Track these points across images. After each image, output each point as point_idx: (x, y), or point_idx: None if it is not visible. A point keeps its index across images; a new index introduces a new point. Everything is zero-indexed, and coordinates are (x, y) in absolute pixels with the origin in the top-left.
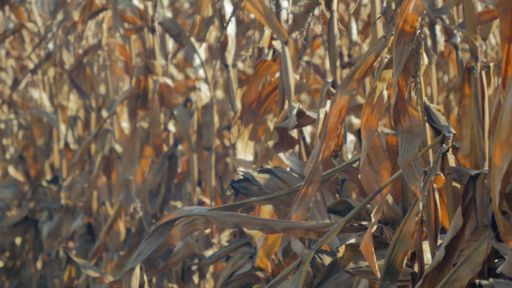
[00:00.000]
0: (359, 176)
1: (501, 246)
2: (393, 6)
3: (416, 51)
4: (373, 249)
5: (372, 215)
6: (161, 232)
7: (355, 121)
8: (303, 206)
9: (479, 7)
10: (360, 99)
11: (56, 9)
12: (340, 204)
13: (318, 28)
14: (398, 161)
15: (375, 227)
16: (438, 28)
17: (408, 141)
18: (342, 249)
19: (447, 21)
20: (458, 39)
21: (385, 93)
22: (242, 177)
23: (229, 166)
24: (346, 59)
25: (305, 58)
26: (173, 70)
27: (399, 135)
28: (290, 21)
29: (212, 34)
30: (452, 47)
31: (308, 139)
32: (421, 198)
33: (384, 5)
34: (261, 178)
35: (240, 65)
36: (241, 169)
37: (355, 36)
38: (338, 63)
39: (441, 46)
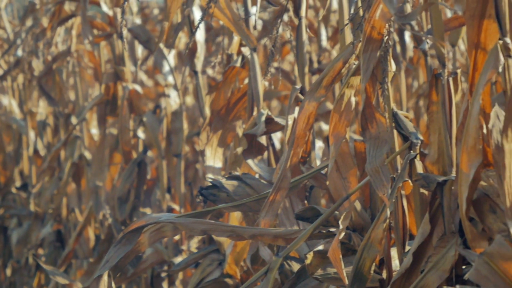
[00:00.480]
0: (327, 182)
1: (468, 253)
2: (361, 12)
3: (383, 57)
4: (341, 256)
5: (340, 222)
6: (129, 239)
7: (325, 127)
8: (271, 212)
9: (449, 13)
10: (330, 106)
11: (25, 16)
12: (308, 210)
13: (287, 34)
14: (366, 168)
15: (343, 233)
16: (407, 34)
17: (375, 147)
18: (310, 255)
19: (416, 28)
20: (427, 46)
21: (353, 99)
22: (210, 184)
23: (199, 172)
24: (315, 65)
25: (275, 64)
26: (143, 76)
27: (366, 142)
28: (260, 28)
29: (182, 40)
30: (421, 53)
31: (278, 146)
32: (388, 204)
33: (352, 11)
34: (229, 184)
35: (210, 71)
36: (210, 175)
37: (324, 42)
38: (307, 69)
39: (410, 52)
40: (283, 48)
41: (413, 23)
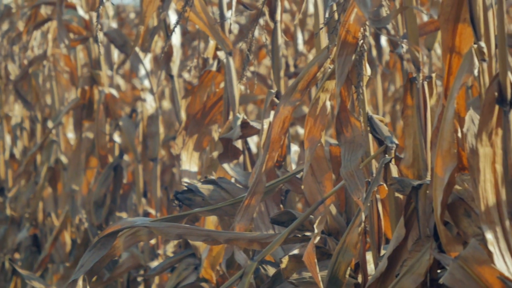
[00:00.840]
0: (302, 187)
1: (443, 257)
2: (336, 16)
3: (358, 61)
4: (316, 260)
5: (315, 226)
6: (104, 243)
7: (301, 131)
8: (246, 217)
9: (425, 17)
10: (306, 110)
11: (0, 19)
12: (284, 215)
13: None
14: (341, 172)
15: (318, 238)
16: (384, 38)
17: (350, 151)
18: (285, 260)
19: (392, 32)
20: (403, 50)
21: (328, 103)
22: (186, 188)
23: (175, 176)
24: (292, 69)
25: (251, 68)
26: (119, 80)
27: (341, 146)
28: (236, 31)
29: (158, 44)
30: (397, 57)
31: (254, 150)
32: (363, 209)
33: (327, 15)
34: (205, 189)
35: (186, 75)
36: (185, 180)
37: (301, 46)
38: (282, 73)
39: (387, 56)
40: (260, 52)
41: (389, 27)
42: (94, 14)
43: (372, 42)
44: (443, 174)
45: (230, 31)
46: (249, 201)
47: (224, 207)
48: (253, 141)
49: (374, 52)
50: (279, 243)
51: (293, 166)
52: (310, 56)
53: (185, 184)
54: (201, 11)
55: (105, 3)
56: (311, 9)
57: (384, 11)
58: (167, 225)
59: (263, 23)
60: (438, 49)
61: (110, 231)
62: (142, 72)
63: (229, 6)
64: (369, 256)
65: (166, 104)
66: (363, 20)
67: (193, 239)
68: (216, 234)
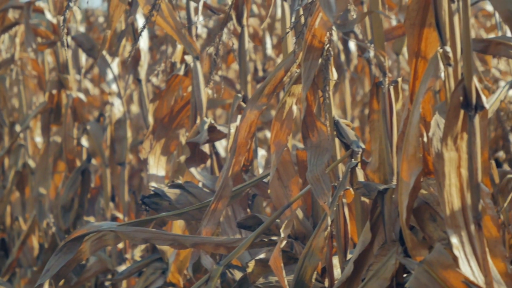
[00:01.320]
0: (269, 191)
1: (408, 261)
2: (303, 20)
3: (324, 66)
4: (282, 264)
5: (281, 230)
6: (70, 247)
7: (270, 135)
8: (213, 221)
9: (394, 22)
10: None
11: None
12: (250, 219)
13: (232, 43)
14: (307, 176)
15: (284, 242)
16: (353, 42)
17: (317, 156)
18: (251, 264)
19: (360, 36)
20: (371, 54)
21: (295, 108)
22: (153, 192)
23: (144, 181)
24: (261, 73)
25: (220, 72)
26: (88, 84)
27: (308, 150)
28: (205, 36)
29: (127, 48)
30: (365, 61)
31: (223, 154)
32: (329, 213)
33: (293, 19)
34: (172, 193)
35: (154, 80)
36: (152, 184)
37: (269, 50)
38: (250, 77)
39: (355, 60)
40: (229, 57)
41: (358, 32)
42: (62, 18)
43: (341, 46)
44: (408, 178)
45: (196, 35)
46: (215, 206)
47: (191, 212)
48: (221, 145)
49: (342, 57)
50: (245, 248)
51: (260, 171)
52: (279, 61)
53: (152, 188)
54: (168, 15)
55: (72, 7)
56: (279, 14)
57: (351, 16)
58: (133, 230)
59: (232, 27)
60: (406, 53)
61: (76, 235)
62: (109, 76)
63: (197, 11)
64: (335, 260)
65: (135, 108)
66: (329, 24)
67: (159, 244)
68: (183, 238)
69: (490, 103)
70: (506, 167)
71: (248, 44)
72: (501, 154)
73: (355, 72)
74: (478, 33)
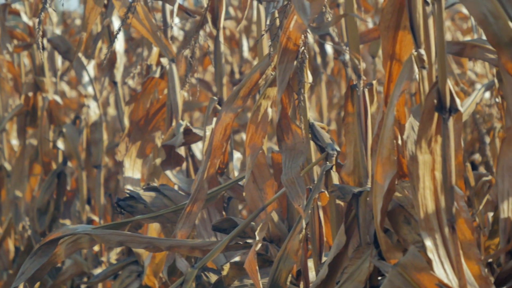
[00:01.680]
0: (244, 194)
1: (382, 264)
2: (278, 23)
3: (299, 68)
4: (257, 267)
5: (256, 233)
6: (44, 250)
7: None
8: (188, 224)
9: (370, 24)
10: None
11: None
12: (225, 222)
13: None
14: (282, 179)
15: (259, 245)
16: (329, 45)
17: (291, 158)
18: (226, 267)
19: (337, 39)
20: (347, 57)
21: (270, 110)
22: (128, 195)
23: (120, 183)
24: (237, 76)
25: (196, 75)
26: (65, 87)
27: (282, 153)
28: (181, 38)
29: (103, 51)
30: (342, 64)
31: (199, 156)
32: (304, 216)
33: (268, 22)
34: (147, 196)
35: (131, 82)
36: (128, 187)
37: (246, 53)
38: (225, 80)
39: (332, 63)
40: (205, 59)
41: (334, 34)
42: (37, 20)
43: (317, 49)
44: (383, 181)
45: (171, 38)
46: (190, 208)
47: (166, 214)
48: (197, 147)
49: (318, 59)
50: (220, 251)
51: (236, 173)
52: (255, 63)
53: (127, 191)
54: (144, 17)
55: (48, 9)
56: (255, 16)
57: (327, 18)
58: (108, 233)
59: (208, 30)
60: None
61: (51, 238)
62: (85, 78)
63: (173, 13)
64: (311, 263)
65: (112, 110)
66: (304, 27)
67: (134, 246)
68: (158, 241)
69: (465, 105)
70: (482, 169)
71: (225, 47)
72: (477, 157)
73: (331, 74)
74: (455, 36)
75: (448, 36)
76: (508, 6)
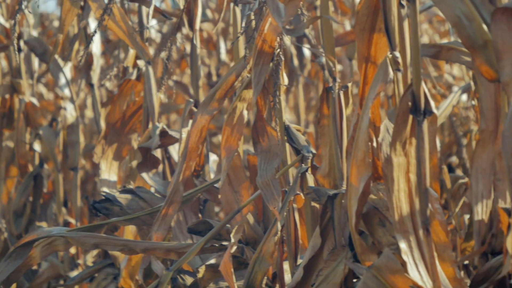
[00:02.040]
0: (219, 196)
1: (357, 266)
2: (253, 25)
3: (275, 71)
4: (232, 270)
5: (231, 235)
6: (19, 253)
7: None
8: (163, 226)
9: (348, 27)
10: None
11: None
12: (201, 224)
13: (186, 48)
14: (257, 181)
15: (234, 247)
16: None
17: (267, 161)
18: (202, 269)
19: (314, 41)
20: (324, 59)
21: (245, 113)
22: (104, 198)
23: (97, 186)
24: (215, 78)
25: (174, 77)
26: (43, 89)
27: (258, 155)
28: (159, 40)
29: (80, 53)
30: (319, 66)
31: (176, 158)
32: (279, 218)
33: (244, 24)
34: (123, 198)
35: (108, 84)
36: (104, 189)
37: (223, 55)
38: (201, 82)
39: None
40: (183, 61)
41: (311, 36)
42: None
43: (294, 51)
44: (357, 183)
45: (147, 40)
46: (166, 211)
47: (142, 217)
48: (175, 149)
49: (296, 62)
50: (195, 253)
51: (212, 176)
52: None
53: (103, 194)
54: (120, 19)
55: (24, 11)
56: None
57: (303, 20)
58: (83, 235)
59: (186, 32)
60: None
61: (26, 241)
62: (62, 80)
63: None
64: (286, 266)
65: (89, 113)
66: (279, 29)
67: (109, 249)
68: (133, 243)
69: (442, 108)
70: (459, 172)
71: (203, 49)
72: (454, 159)
73: (308, 77)
74: (433, 38)
75: (425, 39)
76: (482, 8)
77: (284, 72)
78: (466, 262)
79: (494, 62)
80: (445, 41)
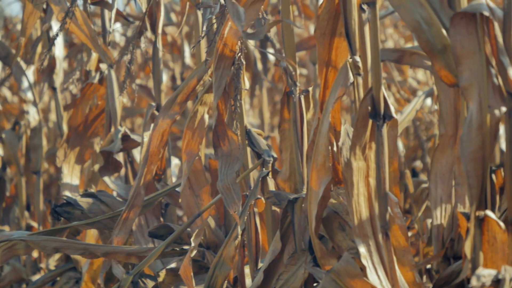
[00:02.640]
0: (180, 200)
1: (316, 271)
2: (215, 29)
3: (236, 74)
4: (192, 273)
5: (192, 239)
6: None
7: None
8: (124, 230)
9: (312, 31)
10: None
11: None
12: (162, 228)
13: (148, 52)
14: (217, 185)
15: (194, 251)
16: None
17: (227, 165)
18: (162, 273)
19: (278, 45)
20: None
21: (206, 117)
22: (65, 201)
23: (61, 189)
24: (179, 82)
25: (138, 81)
26: (7, 92)
27: (218, 159)
28: (123, 44)
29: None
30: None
31: None
32: (240, 222)
33: (205, 28)
34: (84, 202)
35: (73, 88)
36: (66, 193)
37: (188, 59)
38: (167, 86)
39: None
40: (147, 65)
41: (275, 41)
42: None
43: (258, 55)
44: (317, 187)
45: (109, 44)
46: (127, 215)
47: (103, 221)
48: (138, 153)
49: (260, 66)
50: (155, 257)
51: (174, 179)
52: None
53: (65, 197)
54: (83, 23)
55: None
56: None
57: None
58: (44, 239)
59: (150, 35)
60: None
61: None
62: (25, 84)
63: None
64: (248, 270)
65: (54, 116)
66: (239, 33)
67: (70, 253)
68: (94, 247)
69: (406, 112)
70: (423, 177)
71: (167, 53)
72: (418, 164)
73: (272, 81)
74: (398, 43)
75: (390, 43)
76: (442, 13)
77: (245, 76)
78: (429, 266)
79: (453, 66)
80: (410, 45)
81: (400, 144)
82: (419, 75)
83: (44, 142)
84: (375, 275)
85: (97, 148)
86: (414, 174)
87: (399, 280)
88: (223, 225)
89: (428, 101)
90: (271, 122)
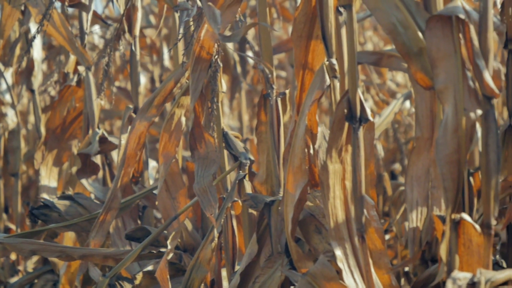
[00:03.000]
0: (157, 202)
1: (291, 273)
2: (191, 31)
3: (213, 77)
4: (168, 276)
5: (168, 242)
6: None
7: None
8: (101, 233)
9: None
10: None
11: None
12: (139, 231)
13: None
14: (194, 188)
15: (171, 254)
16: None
17: (204, 167)
18: (139, 276)
19: (256, 48)
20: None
21: (183, 119)
22: (42, 204)
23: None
24: (157, 84)
25: (117, 83)
26: None
27: (195, 162)
28: (102, 46)
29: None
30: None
31: None
32: (216, 225)
33: (182, 31)
34: (61, 204)
35: (51, 90)
36: (43, 195)
37: (166, 61)
38: (146, 88)
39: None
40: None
41: (254, 43)
42: None
43: (237, 57)
44: (294, 190)
45: (85, 46)
46: (104, 217)
47: (80, 223)
48: (117, 155)
49: (239, 68)
50: (131, 259)
51: (151, 182)
52: None
53: (42, 200)
54: (61, 25)
55: None
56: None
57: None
58: (20, 241)
59: (129, 38)
60: None
61: None
62: (3, 86)
63: (93, 21)
64: (225, 272)
65: (33, 119)
66: (216, 35)
67: (47, 255)
68: (71, 250)
69: (384, 115)
70: (402, 179)
71: (146, 55)
72: (397, 166)
73: (251, 83)
74: (378, 45)
75: (369, 46)
76: (418, 15)
77: (222, 79)
78: (407, 269)
79: (429, 69)
80: (389, 48)
81: (379, 147)
82: (398, 77)
83: (23, 144)
84: (351, 278)
85: (75, 150)
86: (393, 176)
87: (375, 283)
88: (200, 228)
89: (407, 103)
90: (250, 125)
